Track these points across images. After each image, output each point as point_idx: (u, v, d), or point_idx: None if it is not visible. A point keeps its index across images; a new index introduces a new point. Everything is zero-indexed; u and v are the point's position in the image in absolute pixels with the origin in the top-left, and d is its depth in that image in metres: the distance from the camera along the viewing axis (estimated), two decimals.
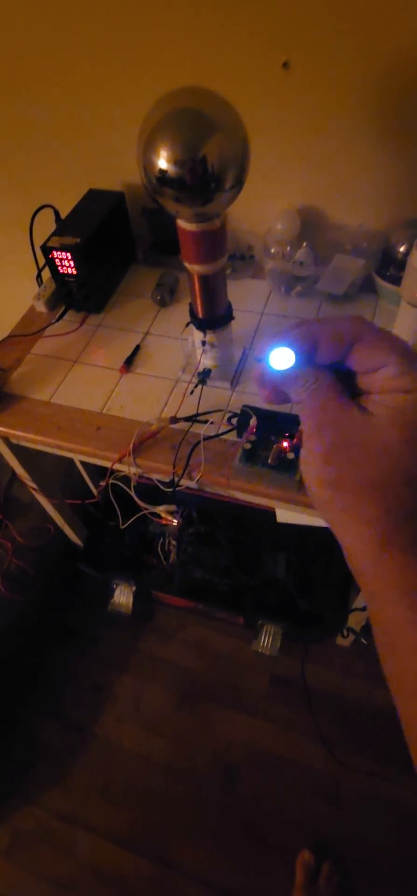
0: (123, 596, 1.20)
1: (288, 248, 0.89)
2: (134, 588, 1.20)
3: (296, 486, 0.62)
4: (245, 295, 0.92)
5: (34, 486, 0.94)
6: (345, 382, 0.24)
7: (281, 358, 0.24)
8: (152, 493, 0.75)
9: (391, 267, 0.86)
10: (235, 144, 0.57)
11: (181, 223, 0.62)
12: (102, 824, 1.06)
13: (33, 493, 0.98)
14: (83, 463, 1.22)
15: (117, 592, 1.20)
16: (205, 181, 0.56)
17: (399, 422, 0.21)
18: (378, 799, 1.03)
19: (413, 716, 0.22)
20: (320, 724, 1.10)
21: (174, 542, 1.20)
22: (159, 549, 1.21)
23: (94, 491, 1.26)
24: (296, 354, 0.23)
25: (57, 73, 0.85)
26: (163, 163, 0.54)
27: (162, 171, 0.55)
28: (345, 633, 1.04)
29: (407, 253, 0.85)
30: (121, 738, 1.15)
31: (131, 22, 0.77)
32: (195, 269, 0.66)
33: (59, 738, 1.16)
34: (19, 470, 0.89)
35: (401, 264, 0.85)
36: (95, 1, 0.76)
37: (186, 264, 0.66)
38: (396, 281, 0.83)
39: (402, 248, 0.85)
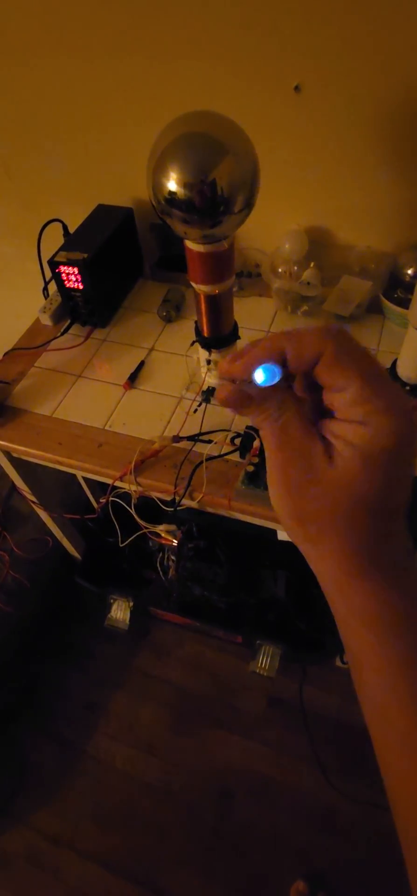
0: (120, 611, 1.18)
1: (296, 267, 0.90)
2: (131, 603, 1.18)
3: None
4: (251, 312, 0.92)
5: (34, 499, 0.93)
6: (315, 398, 0.23)
7: (266, 373, 0.22)
8: (153, 509, 0.74)
9: (398, 289, 0.86)
10: (245, 169, 0.57)
11: (189, 244, 0.62)
12: (92, 847, 1.03)
13: (33, 506, 0.97)
14: (84, 476, 1.21)
15: (114, 608, 1.19)
16: (213, 204, 0.56)
17: (357, 456, 0.21)
18: (374, 829, 1.00)
19: (378, 735, 0.23)
20: (316, 748, 1.08)
21: (173, 558, 1.19)
22: (158, 564, 1.20)
23: (95, 505, 1.25)
24: (268, 372, 0.22)
25: (70, 93, 0.86)
26: (172, 185, 0.54)
27: (171, 193, 0.55)
28: (346, 659, 1.03)
29: (415, 276, 0.85)
30: (114, 758, 1.13)
31: (144, 44, 0.77)
32: (202, 289, 0.66)
33: (50, 755, 1.14)
34: (19, 483, 0.89)
35: (409, 286, 0.85)
36: (108, 25, 0.77)
37: (193, 284, 0.66)
38: (403, 303, 0.83)
39: (410, 271, 0.85)
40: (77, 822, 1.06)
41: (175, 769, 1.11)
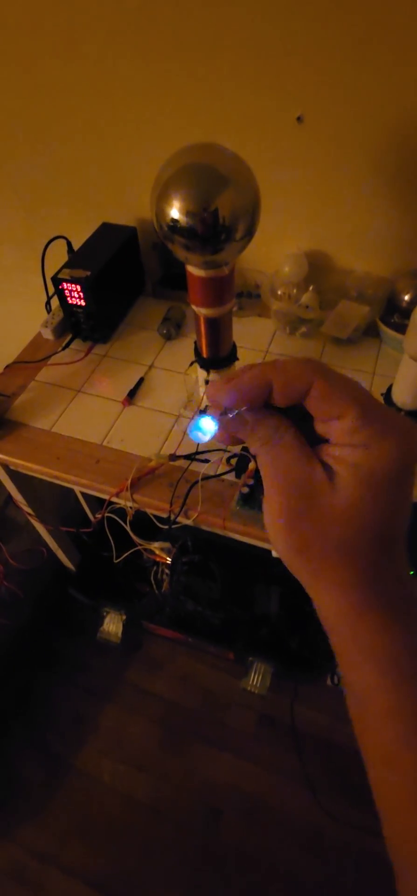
0: (113, 624, 1.18)
1: (295, 290, 0.91)
2: (124, 617, 1.18)
3: None
4: (250, 332, 0.93)
5: (30, 511, 0.94)
6: (304, 426, 0.23)
7: (207, 427, 0.23)
8: (148, 523, 0.75)
9: (395, 314, 0.88)
10: (246, 199, 0.58)
11: (190, 268, 0.63)
12: (77, 865, 1.02)
13: (29, 518, 0.98)
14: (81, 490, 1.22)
15: (107, 620, 1.19)
16: (215, 232, 0.57)
17: (361, 480, 0.20)
18: (363, 852, 1.00)
19: (382, 783, 0.22)
20: (307, 769, 1.07)
21: (167, 572, 1.19)
22: (152, 578, 1.20)
23: (92, 518, 1.25)
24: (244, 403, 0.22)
25: (78, 116, 0.88)
26: (175, 213, 0.56)
27: (174, 221, 0.56)
28: (336, 679, 1.03)
29: (412, 301, 0.87)
30: (103, 774, 1.12)
31: (150, 74, 0.80)
32: (202, 311, 0.67)
33: (38, 769, 1.13)
34: (16, 495, 0.89)
35: (406, 312, 0.87)
36: (118, 57, 0.79)
37: (194, 307, 0.67)
38: (400, 328, 0.85)
39: (407, 297, 0.87)
40: (63, 839, 1.05)
41: (164, 786, 1.10)
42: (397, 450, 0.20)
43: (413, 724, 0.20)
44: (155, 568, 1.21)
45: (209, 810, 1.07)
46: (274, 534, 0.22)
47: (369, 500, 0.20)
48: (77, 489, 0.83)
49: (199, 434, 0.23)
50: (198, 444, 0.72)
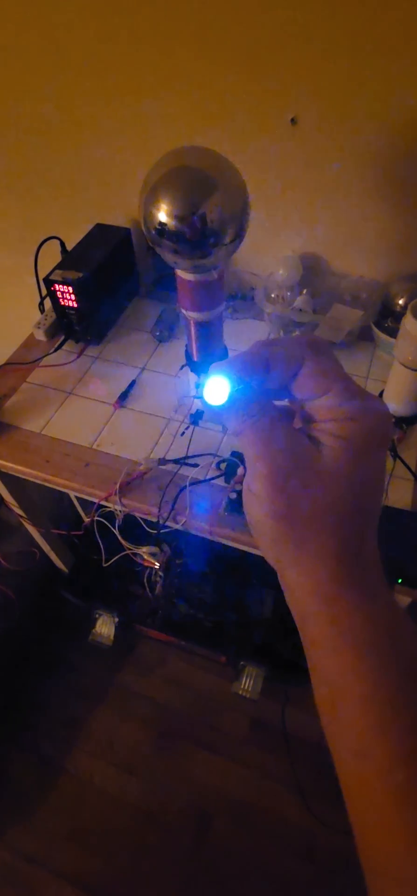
0: (105, 626, 1.18)
1: (289, 293, 0.91)
2: (116, 619, 1.18)
3: None
4: (244, 335, 0.93)
5: (22, 513, 0.93)
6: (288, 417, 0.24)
7: (219, 388, 0.22)
8: (140, 527, 0.74)
9: (389, 318, 0.87)
10: (235, 203, 0.58)
11: (179, 272, 0.63)
12: (67, 868, 1.02)
13: (20, 520, 0.97)
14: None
15: (99, 622, 1.18)
16: (203, 236, 0.57)
17: (348, 449, 0.21)
18: (353, 858, 0.99)
19: (354, 779, 0.21)
20: (298, 773, 1.07)
21: (161, 574, 1.19)
22: (145, 581, 1.19)
23: (85, 519, 1.24)
24: (245, 381, 0.22)
25: (73, 116, 0.88)
26: (163, 216, 0.55)
27: (161, 224, 0.56)
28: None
29: (407, 306, 0.86)
30: (93, 776, 1.11)
31: (144, 74, 0.79)
32: (192, 316, 0.67)
33: (28, 771, 1.13)
34: (7, 497, 0.89)
35: (400, 316, 0.86)
36: (110, 53, 0.79)
37: (183, 311, 0.67)
38: (393, 332, 0.84)
39: (401, 301, 0.86)
40: (52, 841, 1.04)
41: (154, 789, 1.10)
42: (377, 425, 0.21)
43: (388, 712, 0.19)
44: (148, 571, 1.20)
45: (200, 814, 1.06)
46: (253, 502, 0.22)
47: (354, 468, 0.21)
48: (66, 492, 0.82)
49: (212, 396, 0.22)
50: (189, 447, 0.72)
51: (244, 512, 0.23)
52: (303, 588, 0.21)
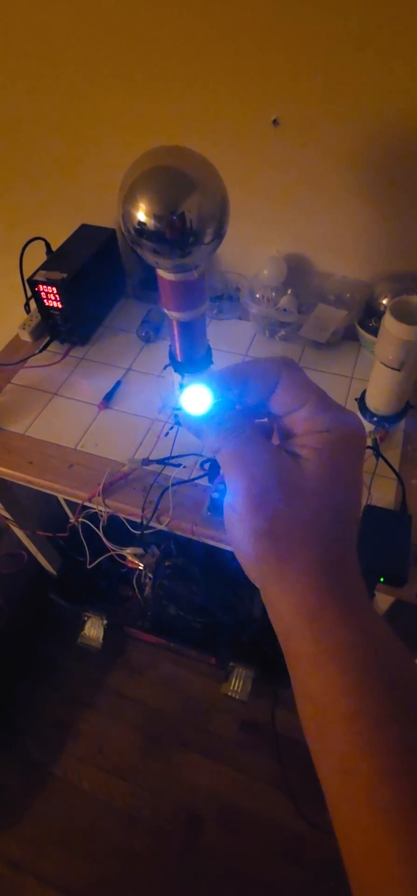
0: (94, 629, 1.17)
1: (274, 293, 0.91)
2: (105, 621, 1.17)
3: None
4: (230, 336, 0.93)
5: (8, 516, 0.93)
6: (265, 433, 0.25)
7: (198, 397, 0.22)
8: (125, 530, 0.74)
9: (373, 318, 0.88)
10: (214, 202, 0.57)
11: (161, 272, 0.62)
12: (55, 874, 1.01)
13: (7, 523, 0.97)
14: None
15: (88, 625, 1.18)
16: (183, 235, 0.56)
17: (325, 460, 0.21)
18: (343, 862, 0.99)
19: (340, 796, 0.20)
20: (288, 775, 1.07)
21: (150, 576, 1.18)
22: (135, 582, 1.19)
23: (73, 519, 1.24)
24: (222, 395, 0.23)
25: (57, 117, 0.88)
26: (141, 216, 0.55)
27: (140, 224, 0.56)
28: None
29: None
30: (82, 781, 1.10)
31: (128, 75, 0.80)
32: (174, 315, 0.67)
33: (16, 776, 1.12)
34: None
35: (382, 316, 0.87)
36: (95, 57, 0.79)
37: (165, 311, 0.67)
38: (377, 332, 0.85)
39: (384, 301, 0.87)
40: (40, 847, 1.03)
41: (144, 793, 1.09)
42: (353, 435, 0.22)
43: (373, 729, 0.19)
44: (137, 573, 1.20)
45: (189, 818, 1.06)
46: (238, 524, 0.22)
47: (333, 478, 0.21)
48: (50, 493, 0.82)
49: (190, 405, 0.23)
50: (173, 447, 0.72)
51: (225, 530, 0.23)
52: (287, 605, 0.21)
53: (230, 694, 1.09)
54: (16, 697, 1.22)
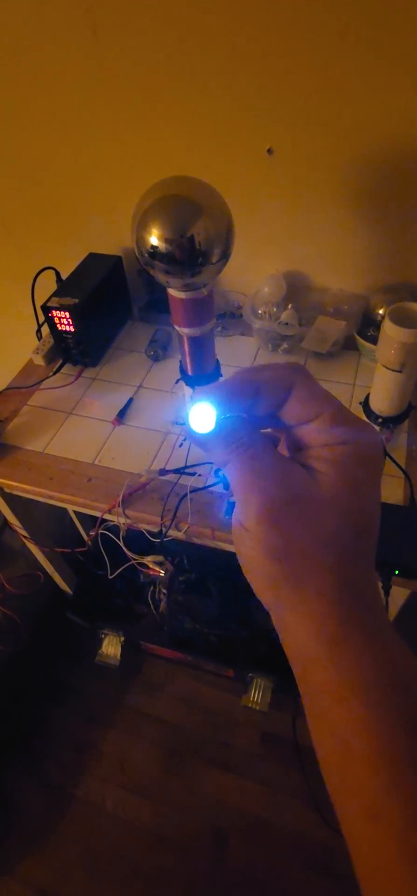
0: (111, 646, 1.18)
1: (275, 309, 0.95)
2: (122, 638, 1.18)
3: None
4: (234, 351, 0.97)
5: (25, 534, 0.95)
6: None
7: (205, 415, 0.21)
8: (144, 541, 0.76)
9: (371, 328, 0.91)
10: (220, 225, 0.62)
11: (171, 291, 0.67)
12: None
13: (24, 540, 0.99)
14: (75, 510, 1.23)
15: (105, 643, 1.18)
16: (192, 256, 0.61)
17: (341, 474, 0.20)
18: None
19: (364, 840, 0.18)
20: (311, 786, 1.06)
21: (164, 591, 1.20)
22: (149, 598, 1.20)
23: (86, 538, 1.26)
24: (231, 408, 0.21)
25: (65, 152, 0.94)
26: (154, 240, 0.59)
27: (153, 248, 0.60)
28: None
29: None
30: (105, 801, 1.10)
31: (131, 113, 0.85)
32: (185, 331, 0.71)
33: (38, 800, 1.11)
34: (11, 518, 0.90)
35: (380, 326, 0.91)
36: (101, 97, 0.85)
37: (176, 328, 0.70)
38: (375, 341, 0.88)
39: (381, 311, 0.91)
40: (65, 872, 1.02)
41: (167, 811, 1.08)
42: (373, 448, 0.21)
43: (401, 768, 0.17)
44: (152, 588, 1.21)
45: (215, 834, 1.05)
46: (250, 542, 0.20)
47: (352, 492, 0.20)
48: (70, 508, 0.85)
49: (198, 425, 0.21)
50: (188, 457, 0.75)
51: (235, 551, 0.22)
52: (306, 631, 0.19)
53: (250, 705, 1.09)
54: (35, 720, 1.22)
